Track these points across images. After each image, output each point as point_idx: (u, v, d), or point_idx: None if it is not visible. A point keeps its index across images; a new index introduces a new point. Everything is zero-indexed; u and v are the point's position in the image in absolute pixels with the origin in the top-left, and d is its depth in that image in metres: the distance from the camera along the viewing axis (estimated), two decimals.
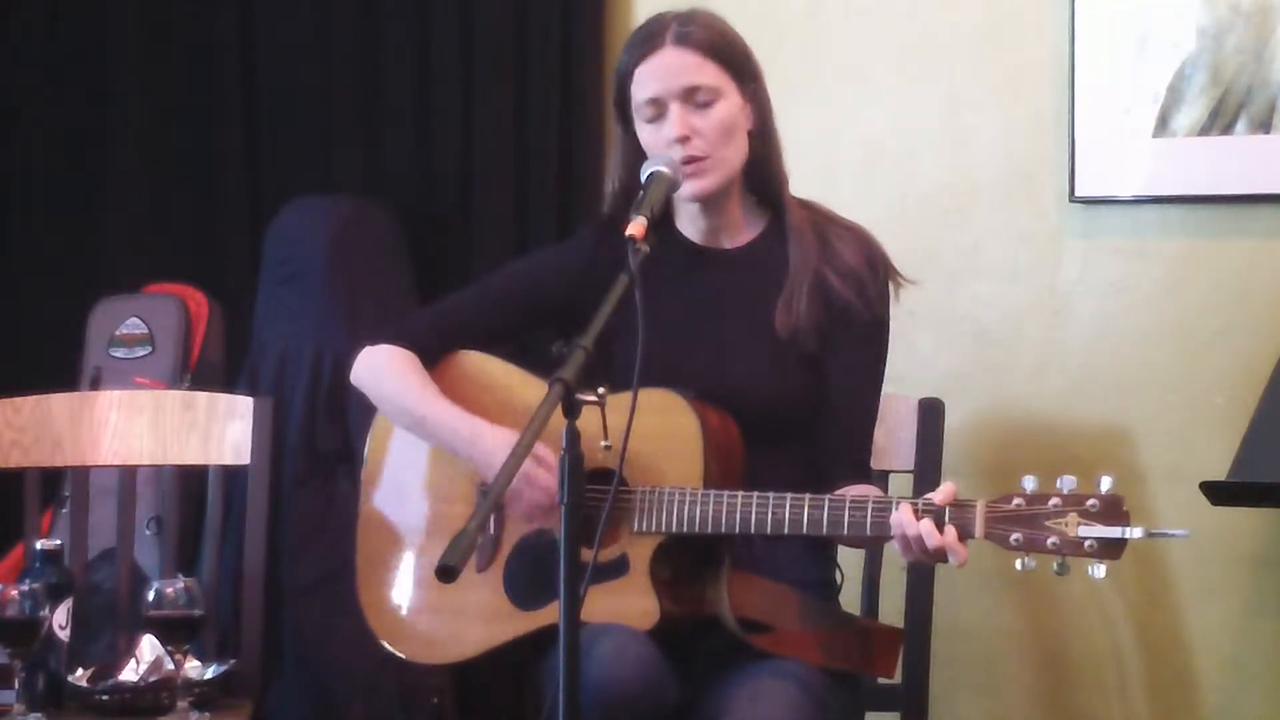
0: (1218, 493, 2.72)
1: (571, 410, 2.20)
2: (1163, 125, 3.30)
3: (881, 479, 3.09)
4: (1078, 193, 3.36)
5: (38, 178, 4.03)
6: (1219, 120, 3.26)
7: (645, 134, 2.72)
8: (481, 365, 2.85)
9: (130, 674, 2.92)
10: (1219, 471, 2.76)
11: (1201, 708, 3.35)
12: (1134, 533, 2.35)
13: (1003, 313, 3.46)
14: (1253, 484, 2.74)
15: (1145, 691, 3.39)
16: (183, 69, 4.00)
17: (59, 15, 4.02)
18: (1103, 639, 3.39)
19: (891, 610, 3.03)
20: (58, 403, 3.19)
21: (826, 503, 2.52)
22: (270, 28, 3.96)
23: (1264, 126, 3.24)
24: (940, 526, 2.43)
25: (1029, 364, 3.45)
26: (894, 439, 3.09)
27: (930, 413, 3.09)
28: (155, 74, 4.00)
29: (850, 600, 2.87)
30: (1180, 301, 3.34)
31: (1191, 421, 3.32)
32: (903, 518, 2.45)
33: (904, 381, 3.21)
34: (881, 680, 2.84)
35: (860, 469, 2.75)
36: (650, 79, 2.70)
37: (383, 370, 2.84)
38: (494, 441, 2.70)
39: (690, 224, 2.81)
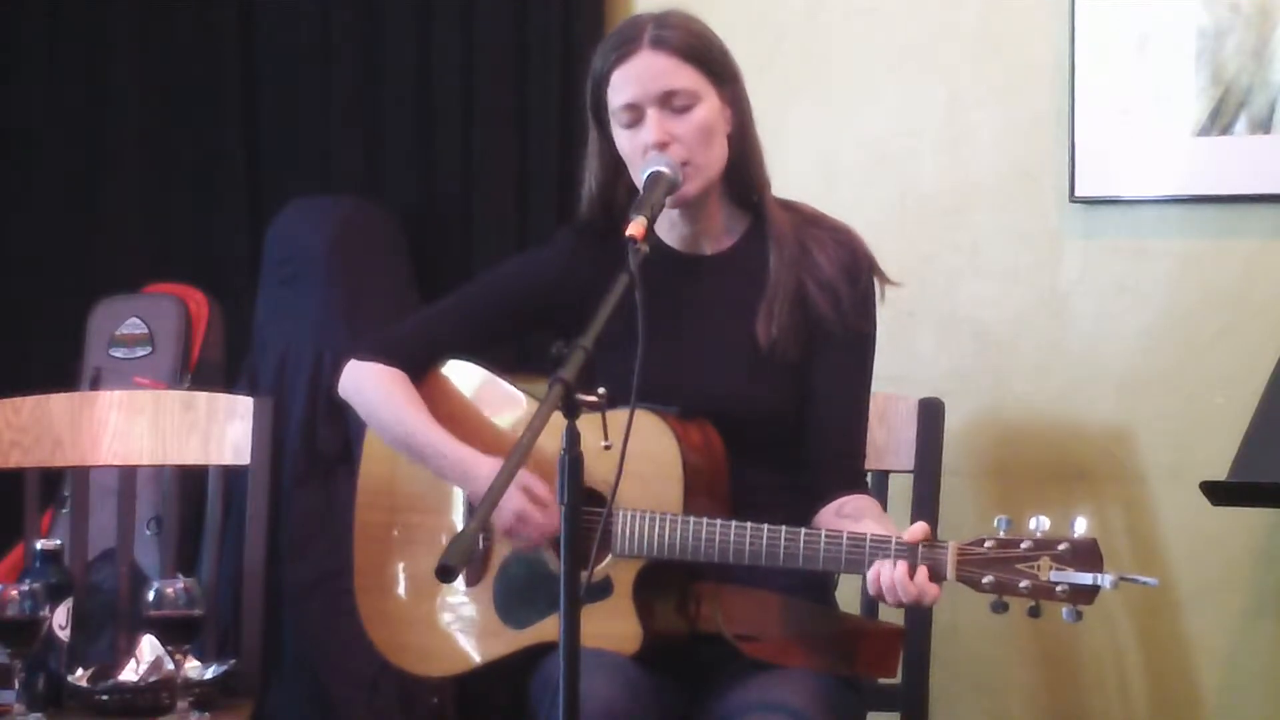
0: (1218, 493, 2.72)
1: (572, 410, 2.18)
2: (1163, 125, 3.30)
3: (881, 479, 3.09)
4: (1078, 193, 3.36)
5: (38, 178, 4.03)
6: (1219, 120, 3.26)
7: (622, 139, 2.67)
8: (468, 378, 2.83)
9: (130, 674, 2.92)
10: (1219, 471, 2.76)
11: (1201, 708, 3.35)
12: (1105, 580, 2.33)
13: (1003, 313, 3.46)
14: (1253, 484, 2.74)
15: (1145, 692, 3.38)
16: (183, 68, 4.00)
17: (59, 15, 4.02)
18: (1103, 639, 3.39)
19: (891, 609, 3.02)
20: (58, 403, 3.19)
21: (802, 535, 2.51)
22: (270, 28, 3.96)
23: (1264, 126, 3.24)
24: (913, 568, 2.42)
25: (1029, 364, 3.44)
26: (894, 439, 3.09)
27: (930, 413, 3.09)
28: (155, 74, 4.00)
29: (850, 599, 2.86)
30: (1180, 301, 3.34)
31: (1191, 421, 3.31)
32: (878, 566, 2.43)
33: (904, 381, 3.21)
34: (881, 680, 2.84)
35: (853, 481, 2.73)
36: (627, 84, 2.65)
37: (370, 390, 2.82)
38: (487, 482, 2.57)
39: (670, 230, 2.76)
